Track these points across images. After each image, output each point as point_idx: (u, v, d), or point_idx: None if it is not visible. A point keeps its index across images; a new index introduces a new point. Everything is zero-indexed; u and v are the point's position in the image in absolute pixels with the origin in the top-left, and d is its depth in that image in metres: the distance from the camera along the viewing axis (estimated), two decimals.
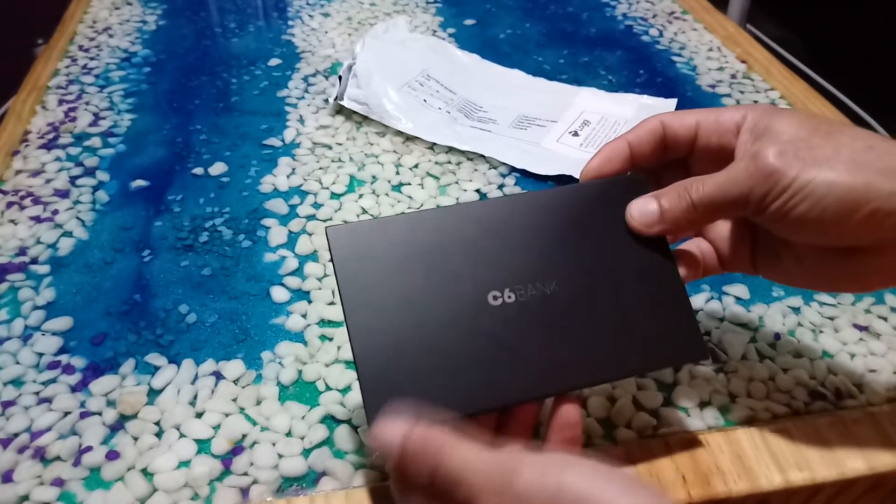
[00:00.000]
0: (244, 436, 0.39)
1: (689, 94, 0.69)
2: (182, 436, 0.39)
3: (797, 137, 0.32)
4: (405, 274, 0.33)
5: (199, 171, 0.59)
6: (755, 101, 0.68)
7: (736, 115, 0.34)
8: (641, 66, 0.74)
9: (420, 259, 0.33)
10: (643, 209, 0.34)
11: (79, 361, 0.43)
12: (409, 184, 0.57)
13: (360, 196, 0.56)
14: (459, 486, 0.27)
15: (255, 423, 0.39)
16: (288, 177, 0.58)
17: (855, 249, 0.32)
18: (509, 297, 0.33)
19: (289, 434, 0.39)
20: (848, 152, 0.30)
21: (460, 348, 0.32)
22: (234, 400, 0.41)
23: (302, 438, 0.39)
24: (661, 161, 0.37)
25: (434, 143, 0.61)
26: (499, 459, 0.27)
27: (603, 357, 0.32)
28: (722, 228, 0.37)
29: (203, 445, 0.38)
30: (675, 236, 0.39)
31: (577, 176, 0.56)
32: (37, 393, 0.41)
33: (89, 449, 0.38)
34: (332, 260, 0.32)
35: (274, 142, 0.62)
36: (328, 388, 0.41)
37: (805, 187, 0.30)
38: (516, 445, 0.29)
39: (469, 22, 0.82)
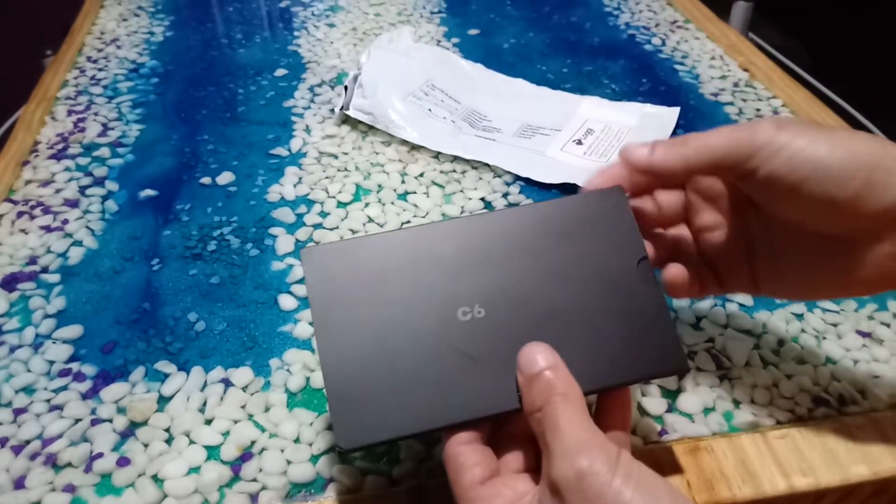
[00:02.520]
0: (253, 442, 0.39)
1: (691, 102, 0.69)
2: (192, 442, 0.39)
3: (793, 119, 0.33)
4: (375, 293, 0.33)
5: (206, 180, 0.59)
6: (757, 110, 0.68)
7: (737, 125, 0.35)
8: (644, 74, 0.75)
9: (390, 278, 0.34)
10: (635, 148, 0.35)
11: (89, 369, 0.43)
12: (415, 192, 0.57)
13: (367, 205, 0.56)
14: (555, 433, 0.28)
15: (263, 430, 0.40)
16: (294, 186, 0.58)
17: (853, 241, 0.32)
18: (479, 312, 0.33)
19: (297, 441, 0.39)
20: (844, 132, 0.31)
21: (428, 364, 0.32)
22: (243, 407, 0.41)
23: (310, 445, 0.39)
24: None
25: (439, 152, 0.62)
26: (603, 440, 0.28)
27: (577, 370, 0.31)
28: (720, 249, 0.37)
29: (212, 452, 0.39)
30: (671, 255, 0.39)
31: (581, 184, 0.57)
32: (48, 400, 0.42)
33: (100, 455, 0.39)
34: (305, 279, 0.33)
35: (280, 151, 0.63)
36: None
37: (803, 150, 0.30)
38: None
39: (473, 32, 0.83)
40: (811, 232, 0.33)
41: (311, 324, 0.46)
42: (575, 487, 0.26)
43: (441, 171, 0.60)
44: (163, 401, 0.42)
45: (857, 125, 0.85)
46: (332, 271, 0.33)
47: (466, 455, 0.31)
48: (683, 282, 0.37)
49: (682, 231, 0.39)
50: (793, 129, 0.31)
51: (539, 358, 0.31)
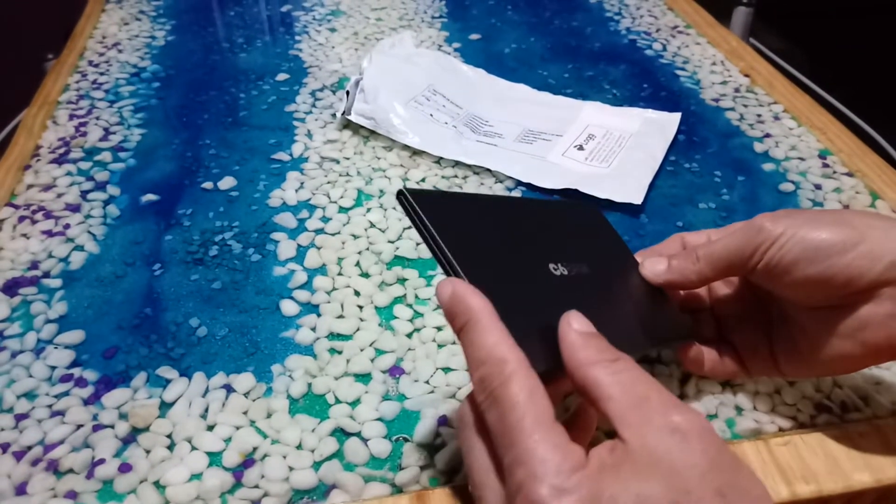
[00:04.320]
0: (255, 448, 0.39)
1: (692, 107, 0.70)
2: (194, 449, 0.39)
3: (789, 210, 0.36)
4: (488, 238, 0.34)
5: (208, 185, 0.59)
6: (758, 115, 0.68)
7: (741, 223, 0.38)
8: (645, 80, 0.75)
9: (494, 224, 0.35)
10: (654, 263, 0.40)
11: (91, 375, 0.43)
12: None
13: (368, 210, 0.56)
14: (597, 389, 0.28)
15: (265, 436, 0.40)
16: (296, 191, 0.58)
17: (854, 304, 0.34)
18: (563, 270, 0.35)
19: (299, 447, 0.39)
20: (831, 213, 0.35)
21: (553, 306, 0.32)
22: (245, 413, 0.41)
23: (312, 451, 0.39)
24: None
25: (440, 158, 0.62)
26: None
27: (629, 330, 0.36)
28: (740, 331, 0.40)
29: (214, 458, 0.39)
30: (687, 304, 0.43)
31: (583, 190, 0.57)
32: (50, 406, 0.42)
33: (102, 462, 0.39)
34: (417, 213, 0.32)
35: (282, 156, 0.63)
36: (338, 401, 0.42)
37: (792, 238, 0.34)
38: None
39: (474, 37, 0.83)
40: (816, 307, 0.36)
41: (312, 329, 0.46)
42: (708, 431, 0.26)
43: (443, 177, 0.60)
44: (164, 407, 0.42)
45: (857, 131, 0.85)
46: (445, 214, 0.33)
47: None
48: (700, 358, 0.39)
49: (705, 317, 0.42)
50: (785, 221, 0.35)
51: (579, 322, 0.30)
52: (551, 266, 0.35)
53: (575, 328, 0.30)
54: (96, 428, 0.40)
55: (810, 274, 0.34)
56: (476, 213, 0.35)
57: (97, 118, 0.68)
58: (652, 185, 0.59)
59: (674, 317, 0.40)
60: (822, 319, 0.35)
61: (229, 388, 0.42)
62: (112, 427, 0.40)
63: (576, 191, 0.57)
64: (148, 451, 0.39)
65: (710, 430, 0.26)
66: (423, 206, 0.33)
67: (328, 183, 0.59)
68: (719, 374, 0.40)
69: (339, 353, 0.45)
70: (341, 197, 0.58)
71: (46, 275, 0.51)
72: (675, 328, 0.40)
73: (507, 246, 0.35)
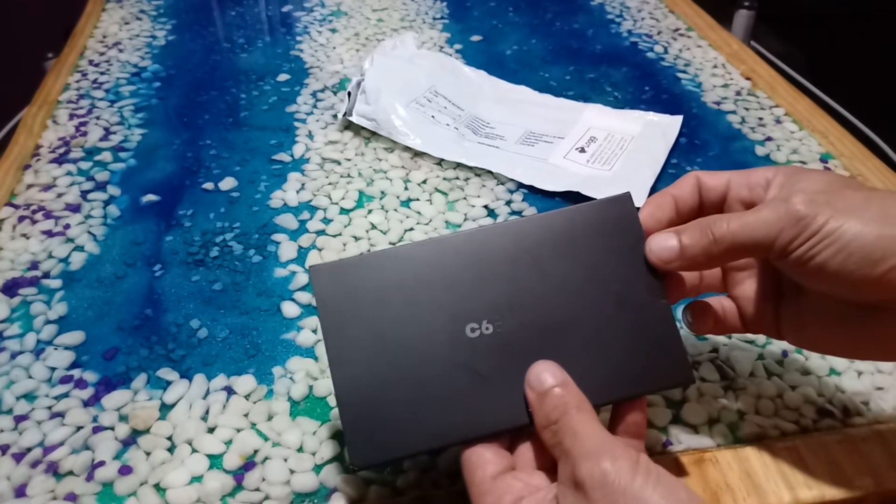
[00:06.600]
0: (256, 451, 0.39)
1: (694, 110, 0.69)
2: (194, 451, 0.39)
3: (828, 189, 0.32)
4: (385, 310, 0.33)
5: (209, 185, 0.59)
6: (760, 118, 0.68)
7: (767, 173, 0.35)
8: (647, 82, 0.75)
9: (399, 295, 0.34)
10: (662, 244, 0.34)
11: (91, 376, 0.43)
12: (418, 199, 0.57)
13: (370, 211, 0.56)
14: (576, 439, 0.30)
15: (266, 439, 0.40)
16: (297, 192, 0.58)
17: (879, 309, 0.32)
18: (487, 328, 0.33)
19: (300, 450, 0.39)
20: (879, 204, 0.30)
21: (438, 381, 0.33)
22: (246, 415, 0.41)
23: (313, 454, 0.39)
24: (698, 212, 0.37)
25: (442, 159, 0.62)
26: (623, 443, 0.30)
27: (585, 383, 0.32)
28: (747, 289, 0.37)
29: (215, 461, 0.39)
30: (697, 289, 0.39)
31: (584, 192, 0.57)
32: (49, 407, 0.41)
33: (102, 464, 0.38)
34: (316, 295, 0.34)
35: (283, 157, 0.63)
36: None
37: (832, 234, 0.30)
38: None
39: (476, 38, 0.83)
40: (840, 300, 0.33)
41: (313, 331, 0.46)
42: (599, 484, 0.27)
43: (444, 178, 0.60)
44: (165, 408, 0.41)
45: (858, 134, 0.86)
46: (342, 288, 0.34)
47: (479, 453, 0.32)
48: (708, 318, 0.37)
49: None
50: (825, 210, 0.30)
51: (548, 376, 0.32)
52: (469, 327, 0.33)
53: (534, 389, 0.32)
54: (96, 430, 0.40)
55: (846, 275, 0.30)
56: (383, 283, 0.34)
57: (97, 118, 0.68)
58: (653, 188, 0.59)
59: (673, 359, 0.34)
60: (842, 312, 0.33)
61: (230, 391, 0.42)
62: (112, 429, 0.40)
63: (577, 193, 0.57)
64: (148, 454, 0.39)
65: (608, 475, 0.27)
66: (321, 288, 0.34)
67: (329, 184, 0.59)
68: (718, 332, 0.38)
69: None
70: (342, 198, 0.57)
71: (46, 275, 0.50)
72: (668, 376, 0.34)
73: (412, 318, 0.33)
